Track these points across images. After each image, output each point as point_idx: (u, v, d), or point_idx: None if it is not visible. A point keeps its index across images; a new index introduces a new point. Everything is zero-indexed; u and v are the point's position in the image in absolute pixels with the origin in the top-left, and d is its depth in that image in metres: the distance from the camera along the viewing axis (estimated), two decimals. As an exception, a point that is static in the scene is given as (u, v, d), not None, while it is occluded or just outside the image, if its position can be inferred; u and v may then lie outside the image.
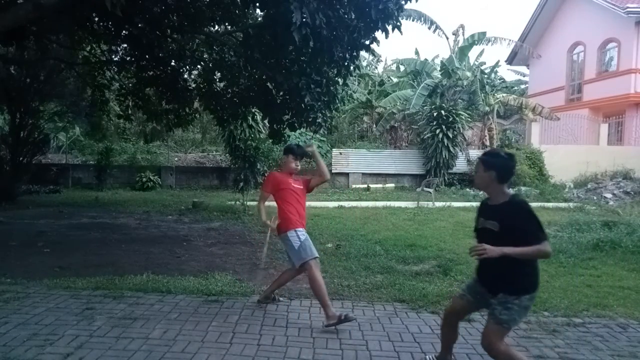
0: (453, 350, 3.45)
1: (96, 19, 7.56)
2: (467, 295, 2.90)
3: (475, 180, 2.89)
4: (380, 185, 16.22)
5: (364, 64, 23.61)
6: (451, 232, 8.30)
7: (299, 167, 4.25)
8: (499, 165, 2.67)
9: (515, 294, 2.60)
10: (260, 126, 14.45)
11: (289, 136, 14.07)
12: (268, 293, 4.40)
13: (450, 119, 15.45)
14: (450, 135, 15.51)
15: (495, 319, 2.63)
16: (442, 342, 3.15)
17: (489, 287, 2.74)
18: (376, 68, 27.02)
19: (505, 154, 2.78)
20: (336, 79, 7.88)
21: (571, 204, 12.16)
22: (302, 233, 4.04)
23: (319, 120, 8.03)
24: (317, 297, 3.95)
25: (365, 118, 21.69)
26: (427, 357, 3.25)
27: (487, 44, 18.88)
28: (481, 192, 14.49)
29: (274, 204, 4.20)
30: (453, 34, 18.69)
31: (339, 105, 8.84)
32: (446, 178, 15.88)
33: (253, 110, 10.85)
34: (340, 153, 16.95)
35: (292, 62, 7.26)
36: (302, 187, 4.24)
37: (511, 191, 2.68)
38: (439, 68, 18.79)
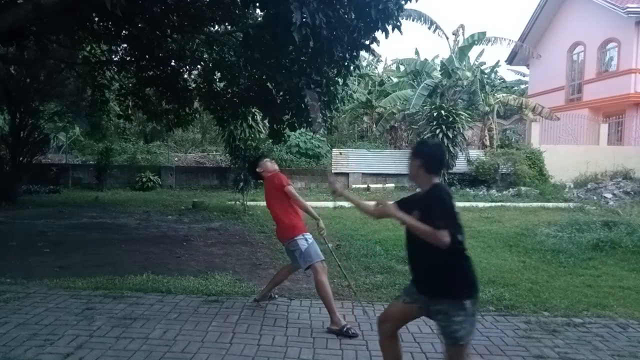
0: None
1: (96, 19, 7.57)
2: (406, 298, 2.63)
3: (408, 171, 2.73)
4: (380, 185, 16.20)
5: (364, 64, 23.57)
6: (451, 232, 8.29)
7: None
8: (426, 154, 2.59)
9: (458, 299, 2.39)
10: (260, 126, 14.41)
11: (289, 136, 14.08)
12: (265, 292, 4.41)
13: (450, 119, 15.43)
14: (450, 135, 15.48)
15: (452, 339, 2.41)
16: None
17: (428, 292, 2.49)
18: (376, 68, 26.97)
19: (433, 143, 2.79)
20: (336, 79, 7.89)
21: (571, 204, 12.15)
22: (309, 237, 4.01)
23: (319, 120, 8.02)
24: (323, 301, 3.87)
25: (365, 118, 21.68)
26: None
27: (487, 44, 18.83)
28: (481, 192, 14.37)
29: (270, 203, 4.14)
30: (453, 34, 18.66)
31: (339, 105, 8.84)
32: (446, 178, 15.84)
33: (253, 110, 10.84)
34: (340, 153, 16.94)
35: (292, 62, 7.25)
36: None
37: (437, 180, 2.56)
38: (439, 68, 18.75)
